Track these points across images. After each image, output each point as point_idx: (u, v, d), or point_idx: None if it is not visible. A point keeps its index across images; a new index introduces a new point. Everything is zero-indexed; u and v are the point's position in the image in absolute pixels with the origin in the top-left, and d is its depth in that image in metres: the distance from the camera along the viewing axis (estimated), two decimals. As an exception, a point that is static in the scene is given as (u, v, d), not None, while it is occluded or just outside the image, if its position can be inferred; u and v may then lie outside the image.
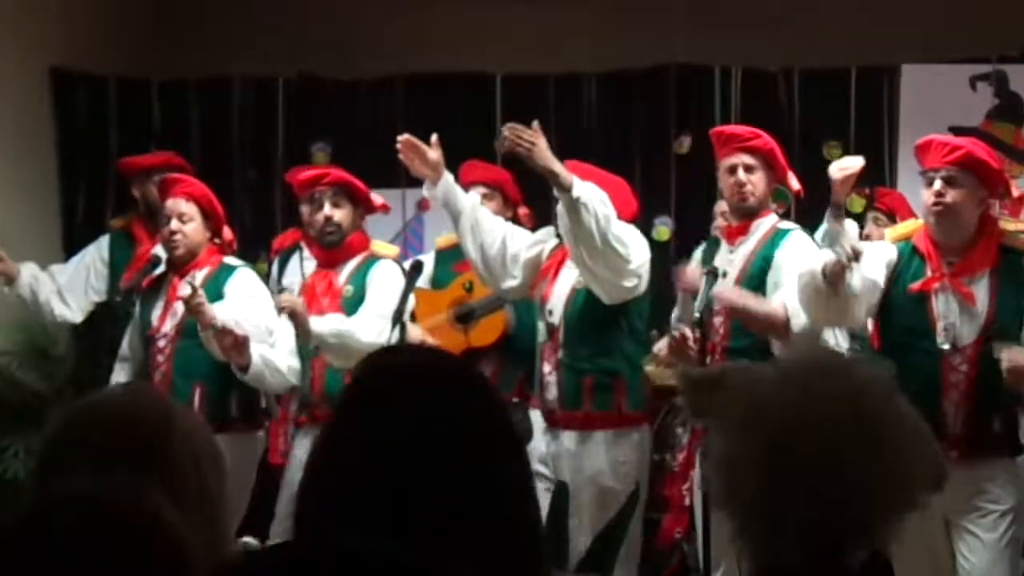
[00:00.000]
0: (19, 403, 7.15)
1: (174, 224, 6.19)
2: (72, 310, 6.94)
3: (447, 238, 6.88)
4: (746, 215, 5.71)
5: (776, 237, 5.65)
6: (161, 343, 6.18)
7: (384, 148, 7.76)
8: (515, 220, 6.61)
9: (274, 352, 6.07)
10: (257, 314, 6.12)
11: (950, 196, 5.17)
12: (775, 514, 2.06)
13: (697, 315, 5.51)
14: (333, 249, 6.25)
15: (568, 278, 5.87)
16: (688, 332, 5.63)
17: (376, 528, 1.84)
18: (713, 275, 5.64)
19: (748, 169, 5.66)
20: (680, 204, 7.83)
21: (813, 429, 2.05)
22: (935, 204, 5.19)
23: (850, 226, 5.52)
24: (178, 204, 6.21)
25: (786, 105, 7.67)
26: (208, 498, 2.12)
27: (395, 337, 5.66)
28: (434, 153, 5.93)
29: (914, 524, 4.83)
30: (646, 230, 7.48)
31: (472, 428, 1.93)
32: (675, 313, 6.27)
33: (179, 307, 6.11)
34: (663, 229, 7.74)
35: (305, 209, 6.77)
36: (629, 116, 7.83)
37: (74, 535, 1.72)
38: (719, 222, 6.64)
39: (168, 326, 6.18)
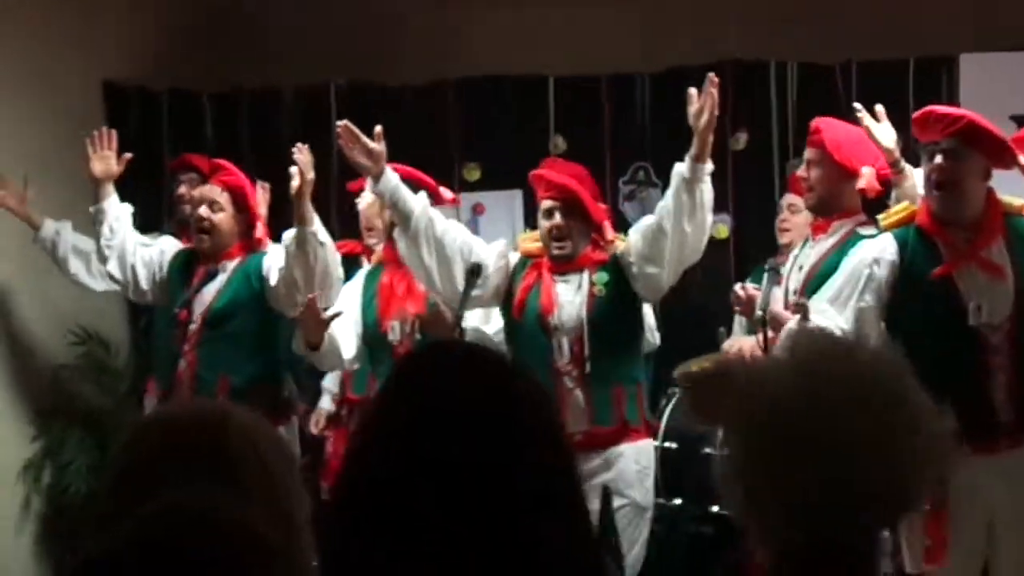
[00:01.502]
0: (80, 417, 7.16)
1: (203, 211, 6.05)
2: (93, 277, 6.73)
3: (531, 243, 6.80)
4: (814, 212, 5.60)
5: (851, 241, 5.38)
6: (188, 332, 6.01)
7: (437, 152, 7.76)
8: None
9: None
10: None
11: (953, 169, 4.87)
12: (793, 509, 2.02)
13: (760, 313, 5.42)
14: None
15: (571, 290, 5.75)
16: (745, 346, 5.58)
17: (403, 532, 1.79)
18: (774, 271, 5.57)
19: (809, 164, 5.53)
20: (738, 201, 7.74)
21: (824, 416, 2.01)
22: (938, 179, 4.89)
23: (912, 175, 5.29)
24: (212, 191, 6.10)
25: (844, 98, 7.56)
26: (280, 496, 2.10)
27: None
28: (376, 144, 5.76)
29: (958, 535, 4.67)
30: (705, 228, 7.44)
31: (515, 431, 1.88)
32: (732, 337, 6.20)
33: (205, 297, 6.02)
34: (722, 227, 7.65)
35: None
36: (684, 114, 7.73)
37: (181, 548, 1.70)
38: (785, 215, 6.55)
39: (194, 314, 6.01)
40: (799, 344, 2.15)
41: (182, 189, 7.09)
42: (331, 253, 5.87)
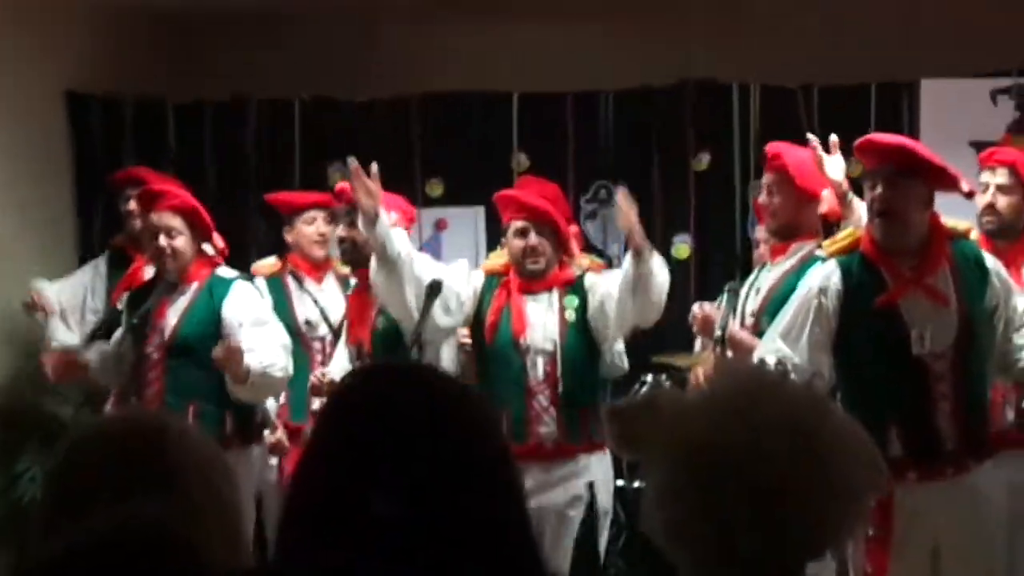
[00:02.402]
0: (35, 426, 7.11)
1: (163, 240, 6.01)
2: (72, 332, 6.74)
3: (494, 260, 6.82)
4: (775, 236, 5.64)
5: (809, 263, 5.39)
6: (152, 358, 6.00)
7: (401, 169, 7.76)
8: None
9: (262, 355, 5.92)
10: (269, 340, 6.03)
11: (894, 197, 4.86)
12: (721, 543, 2.01)
13: (719, 333, 5.46)
14: (359, 268, 6.14)
15: (541, 309, 5.88)
16: (700, 374, 5.63)
17: (352, 545, 1.80)
18: (734, 293, 5.60)
19: (770, 190, 5.56)
20: (699, 221, 7.77)
21: (749, 454, 1.99)
22: (879, 207, 4.88)
23: (858, 209, 5.26)
24: (164, 218, 6.04)
25: (805, 121, 7.60)
26: (219, 503, 2.11)
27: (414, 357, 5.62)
28: (374, 185, 5.77)
29: (901, 562, 4.67)
30: (665, 248, 7.46)
31: (455, 445, 1.88)
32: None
33: (168, 324, 6.01)
34: (682, 247, 7.68)
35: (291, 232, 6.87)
36: (647, 133, 7.79)
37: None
38: (763, 248, 6.45)
39: (156, 342, 6.01)
40: (726, 379, 2.14)
41: (131, 204, 6.96)
42: (270, 388, 6.06)
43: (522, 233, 5.89)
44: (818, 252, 5.44)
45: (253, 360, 5.82)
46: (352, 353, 6.16)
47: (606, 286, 5.85)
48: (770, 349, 4.94)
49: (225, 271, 6.15)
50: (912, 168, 4.91)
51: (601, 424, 5.77)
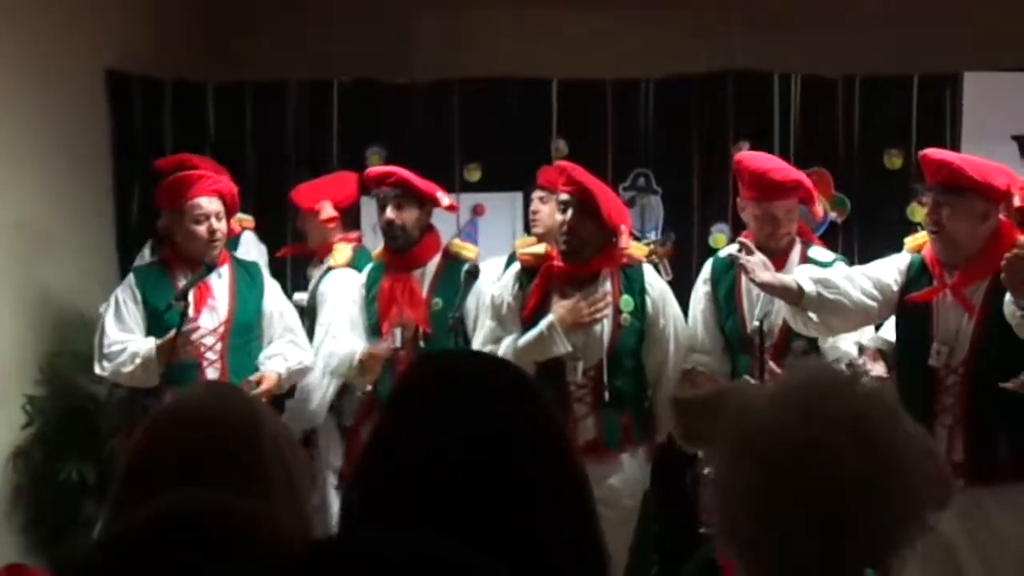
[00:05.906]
0: (73, 405, 7.14)
1: (214, 223, 6.05)
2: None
3: (524, 242, 6.83)
4: (774, 255, 5.62)
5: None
6: (209, 341, 6.05)
7: (439, 152, 7.77)
8: None
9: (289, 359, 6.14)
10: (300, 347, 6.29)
11: (942, 216, 5.01)
12: (778, 543, 1.98)
13: (756, 323, 5.46)
14: (402, 253, 6.14)
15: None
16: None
17: (417, 523, 1.81)
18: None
19: (783, 217, 5.77)
20: (737, 211, 7.73)
21: (813, 454, 1.95)
22: (930, 225, 5.08)
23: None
24: (212, 202, 6.08)
25: (846, 112, 7.57)
26: (295, 493, 2.14)
27: (451, 342, 5.62)
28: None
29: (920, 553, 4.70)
30: (703, 237, 7.44)
31: (520, 432, 1.90)
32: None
33: (219, 306, 6.08)
34: (720, 236, 7.64)
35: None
36: (687, 122, 7.76)
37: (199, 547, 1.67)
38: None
39: (210, 323, 6.05)
40: (795, 375, 2.11)
41: None
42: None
43: (563, 207, 5.71)
44: (815, 255, 5.70)
45: (281, 367, 6.08)
46: (404, 334, 6.03)
47: (671, 319, 5.72)
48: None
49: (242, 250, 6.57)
50: (956, 186, 4.97)
51: (643, 426, 5.74)
